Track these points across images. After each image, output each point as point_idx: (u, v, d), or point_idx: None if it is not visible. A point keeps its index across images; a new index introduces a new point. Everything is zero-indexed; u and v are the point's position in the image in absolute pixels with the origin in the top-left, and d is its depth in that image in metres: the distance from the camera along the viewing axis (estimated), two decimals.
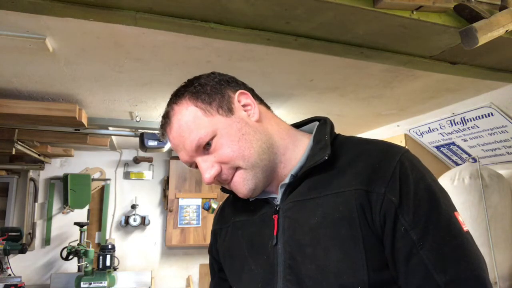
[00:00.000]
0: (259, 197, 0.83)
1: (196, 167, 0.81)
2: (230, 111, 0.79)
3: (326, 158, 0.73)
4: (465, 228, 0.68)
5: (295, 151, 0.82)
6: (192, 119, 0.77)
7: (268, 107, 0.88)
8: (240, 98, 0.81)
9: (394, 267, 0.68)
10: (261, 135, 0.79)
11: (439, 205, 0.68)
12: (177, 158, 3.80)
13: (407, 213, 0.67)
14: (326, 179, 0.75)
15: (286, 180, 0.79)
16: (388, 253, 0.68)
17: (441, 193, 0.70)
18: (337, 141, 0.80)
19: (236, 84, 0.84)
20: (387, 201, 0.68)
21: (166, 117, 0.81)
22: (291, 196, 0.79)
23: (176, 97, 0.81)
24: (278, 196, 0.81)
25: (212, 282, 1.02)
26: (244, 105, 0.81)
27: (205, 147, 0.77)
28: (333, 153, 0.76)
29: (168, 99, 0.83)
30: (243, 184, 0.77)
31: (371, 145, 0.77)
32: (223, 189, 0.89)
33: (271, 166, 0.79)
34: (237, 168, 0.77)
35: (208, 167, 0.77)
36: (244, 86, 0.85)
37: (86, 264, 3.08)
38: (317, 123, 0.87)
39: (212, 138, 0.76)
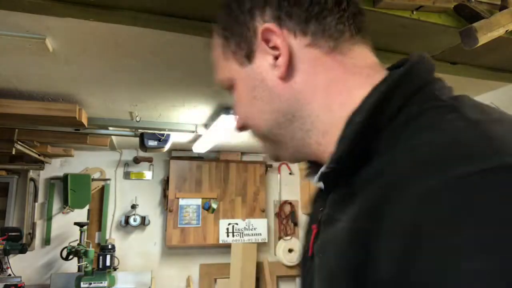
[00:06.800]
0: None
1: None
2: (248, 56, 0.51)
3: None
4: None
5: None
6: (217, 55, 0.58)
7: (347, 38, 0.53)
8: (267, 37, 0.49)
9: None
10: (279, 103, 0.50)
11: None
12: (177, 158, 3.80)
13: None
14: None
15: (323, 169, 0.47)
16: None
17: None
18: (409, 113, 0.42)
19: None
20: None
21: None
22: (332, 197, 0.49)
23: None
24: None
25: None
26: (273, 48, 0.50)
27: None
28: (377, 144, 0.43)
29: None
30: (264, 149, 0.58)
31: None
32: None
33: (298, 144, 0.52)
34: None
35: (235, 114, 0.57)
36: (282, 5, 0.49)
37: (86, 264, 3.08)
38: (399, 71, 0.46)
39: (231, 86, 0.56)
